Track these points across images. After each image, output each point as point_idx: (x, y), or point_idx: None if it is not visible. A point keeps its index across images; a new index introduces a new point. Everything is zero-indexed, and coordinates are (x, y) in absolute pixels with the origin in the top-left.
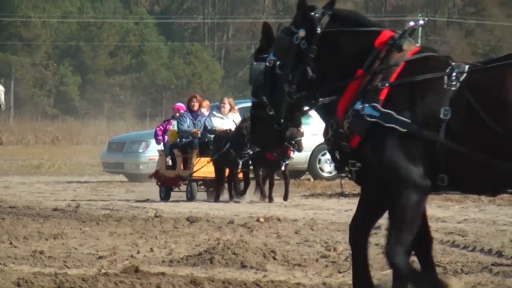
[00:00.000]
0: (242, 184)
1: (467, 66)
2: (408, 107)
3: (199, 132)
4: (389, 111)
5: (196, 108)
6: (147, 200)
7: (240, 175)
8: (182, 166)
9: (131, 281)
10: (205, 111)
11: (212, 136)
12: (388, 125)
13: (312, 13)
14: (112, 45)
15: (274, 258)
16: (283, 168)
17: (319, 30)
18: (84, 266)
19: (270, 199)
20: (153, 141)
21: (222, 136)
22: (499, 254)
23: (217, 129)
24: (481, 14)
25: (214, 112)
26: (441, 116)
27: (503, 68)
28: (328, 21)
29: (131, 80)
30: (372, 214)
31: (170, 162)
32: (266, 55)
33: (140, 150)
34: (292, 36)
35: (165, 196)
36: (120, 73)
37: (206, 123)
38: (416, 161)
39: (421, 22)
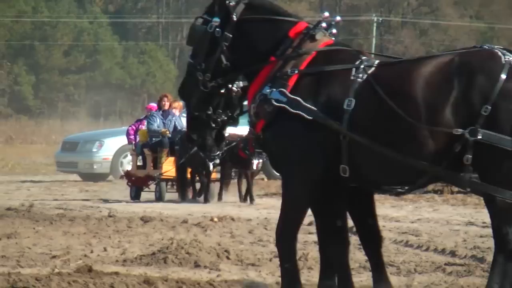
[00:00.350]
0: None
1: (377, 61)
2: (314, 95)
3: (168, 132)
4: (296, 97)
5: (166, 107)
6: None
7: (214, 176)
8: (151, 165)
9: (85, 281)
10: (177, 112)
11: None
12: (294, 111)
13: (227, 2)
14: (66, 44)
15: (228, 258)
16: (255, 167)
17: (234, 18)
18: (38, 265)
19: (251, 200)
20: (106, 141)
21: None
22: (453, 253)
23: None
24: (435, 14)
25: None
26: (345, 106)
27: (409, 64)
28: (243, 9)
29: (85, 79)
30: (335, 211)
31: (141, 162)
32: (210, 19)
33: (94, 150)
34: (206, 24)
35: (135, 196)
36: (74, 72)
37: (177, 123)
38: (317, 151)
39: (338, 18)
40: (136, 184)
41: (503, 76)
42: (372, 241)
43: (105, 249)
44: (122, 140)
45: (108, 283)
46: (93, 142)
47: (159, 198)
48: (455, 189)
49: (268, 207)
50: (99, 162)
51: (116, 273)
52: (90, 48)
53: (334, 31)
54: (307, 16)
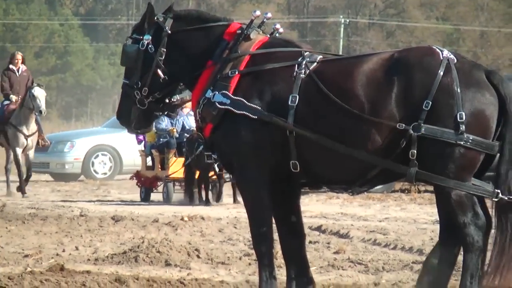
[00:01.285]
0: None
1: (319, 56)
2: (258, 94)
3: (175, 130)
4: (239, 98)
5: None
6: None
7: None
8: (159, 166)
9: (57, 279)
10: (186, 110)
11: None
12: (239, 112)
13: (156, 18)
14: (38, 46)
15: (198, 256)
16: (217, 168)
17: (167, 32)
18: (10, 264)
19: (207, 202)
20: (78, 141)
21: (195, 138)
22: (420, 252)
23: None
24: (401, 16)
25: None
26: (289, 102)
27: (351, 60)
28: (172, 22)
29: (56, 81)
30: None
31: (150, 163)
32: (141, 36)
33: (66, 150)
34: (138, 43)
35: (145, 197)
36: (45, 74)
37: (185, 122)
38: (265, 147)
39: (269, 15)
40: (145, 185)
41: (441, 72)
42: (295, 238)
43: (76, 248)
44: (93, 141)
45: (80, 282)
46: (64, 142)
47: (167, 199)
48: (422, 188)
49: (237, 206)
50: (71, 162)
51: (88, 272)
52: (61, 50)
53: (281, 30)
54: (275, 19)
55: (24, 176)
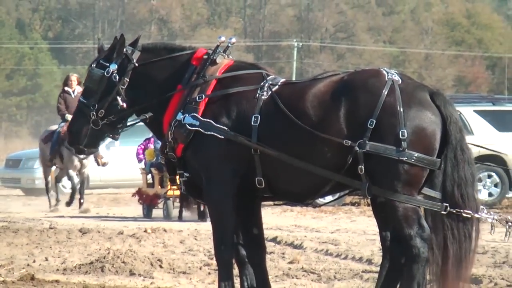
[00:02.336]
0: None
1: (282, 79)
2: (224, 116)
3: None
4: (208, 120)
5: None
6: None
7: None
8: (159, 184)
9: (27, 287)
10: None
11: None
12: (207, 132)
13: (125, 50)
14: (9, 68)
15: (161, 266)
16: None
17: (134, 64)
18: None
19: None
20: None
21: None
22: (369, 261)
23: None
24: (351, 39)
25: None
26: (252, 122)
27: (307, 83)
28: (139, 54)
29: (27, 101)
30: (251, 220)
31: (151, 180)
32: (108, 64)
33: (36, 166)
34: (104, 69)
35: (147, 214)
36: (16, 94)
37: None
38: (232, 164)
39: (233, 40)
40: (146, 202)
41: (385, 92)
42: (257, 249)
43: (46, 259)
44: None
45: None
46: (34, 159)
47: (167, 216)
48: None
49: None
50: (40, 178)
51: (57, 281)
52: (31, 72)
53: (233, 39)
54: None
55: (78, 190)
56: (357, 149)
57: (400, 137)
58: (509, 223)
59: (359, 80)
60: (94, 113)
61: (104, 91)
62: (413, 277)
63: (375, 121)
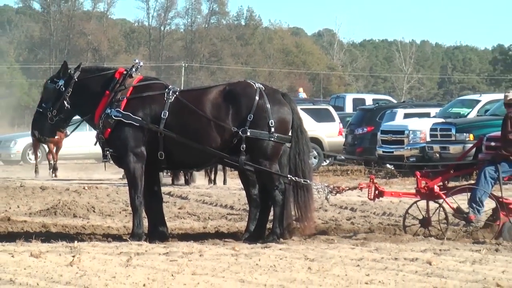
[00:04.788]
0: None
1: (177, 88)
2: (140, 111)
3: None
4: (127, 113)
5: None
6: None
7: None
8: None
9: (5, 226)
10: None
11: None
12: (127, 121)
13: (69, 71)
14: None
15: (94, 211)
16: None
17: (75, 79)
18: None
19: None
20: (19, 140)
21: None
22: (232, 207)
23: None
24: (219, 62)
25: None
26: (162, 116)
27: (201, 90)
28: (80, 73)
29: (5, 102)
30: (153, 181)
31: None
32: (57, 81)
33: (11, 145)
34: (55, 84)
35: (172, 183)
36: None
37: None
38: (143, 143)
39: (141, 63)
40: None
41: (257, 96)
42: (157, 200)
43: (18, 207)
44: (28, 140)
45: (20, 227)
46: (10, 140)
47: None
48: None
49: (117, 180)
50: (14, 153)
51: (25, 221)
52: (8, 83)
53: (141, 63)
54: (140, 63)
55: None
56: (241, 134)
57: (270, 125)
58: (330, 190)
59: (239, 89)
60: (50, 112)
61: (55, 98)
62: (275, 217)
63: (252, 115)
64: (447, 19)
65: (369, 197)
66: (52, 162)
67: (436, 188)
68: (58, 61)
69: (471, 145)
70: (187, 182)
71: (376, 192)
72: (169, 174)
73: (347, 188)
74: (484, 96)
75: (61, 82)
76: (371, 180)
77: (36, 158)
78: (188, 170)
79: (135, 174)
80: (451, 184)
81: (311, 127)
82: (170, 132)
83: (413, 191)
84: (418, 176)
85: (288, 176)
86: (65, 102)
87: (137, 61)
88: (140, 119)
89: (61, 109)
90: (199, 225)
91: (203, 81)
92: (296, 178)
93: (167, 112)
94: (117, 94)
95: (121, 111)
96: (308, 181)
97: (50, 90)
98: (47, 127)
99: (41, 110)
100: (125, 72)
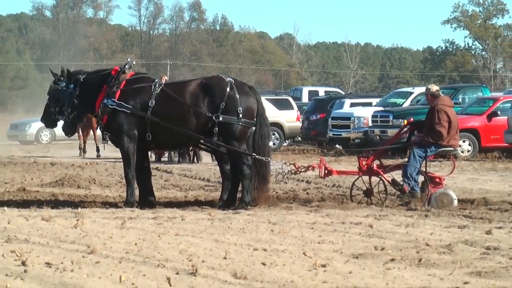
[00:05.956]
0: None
1: (163, 82)
2: (132, 100)
3: None
4: (120, 102)
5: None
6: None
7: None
8: None
9: (21, 194)
10: None
11: None
12: (120, 108)
13: (77, 76)
14: (12, 75)
15: (94, 183)
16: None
17: (81, 80)
18: None
19: (193, 161)
20: (33, 124)
21: None
22: (208, 180)
23: None
24: (198, 60)
25: None
26: (150, 104)
27: (182, 83)
28: (84, 77)
29: (22, 93)
30: (143, 158)
31: None
32: (60, 82)
33: (27, 128)
34: (67, 87)
35: (158, 161)
36: (15, 89)
37: None
38: (134, 126)
39: (134, 62)
40: (157, 153)
41: (228, 88)
42: (147, 173)
43: (32, 179)
44: (40, 124)
45: (33, 196)
46: (26, 124)
47: (170, 161)
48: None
49: (114, 157)
50: (29, 135)
51: (38, 191)
52: (24, 77)
53: (134, 62)
54: (132, 61)
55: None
56: (214, 119)
57: (238, 112)
58: (290, 170)
59: (214, 82)
60: (66, 111)
61: (68, 98)
62: (244, 187)
63: (224, 104)
64: (386, 25)
65: (320, 175)
66: (94, 143)
67: (375, 166)
68: (65, 59)
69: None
70: (194, 160)
71: (326, 171)
72: (176, 154)
73: (302, 169)
74: (416, 89)
75: (71, 85)
76: (321, 161)
77: (84, 141)
78: (172, 150)
79: (129, 152)
80: (389, 162)
81: (274, 114)
82: (154, 117)
83: (357, 169)
84: (359, 158)
85: (253, 154)
86: (75, 100)
87: (129, 59)
88: (131, 107)
89: (74, 106)
90: (181, 195)
91: (185, 76)
92: (258, 156)
93: (154, 101)
94: (112, 87)
95: (115, 100)
96: (269, 159)
97: (62, 92)
98: (65, 124)
99: (48, 107)
100: (119, 69)
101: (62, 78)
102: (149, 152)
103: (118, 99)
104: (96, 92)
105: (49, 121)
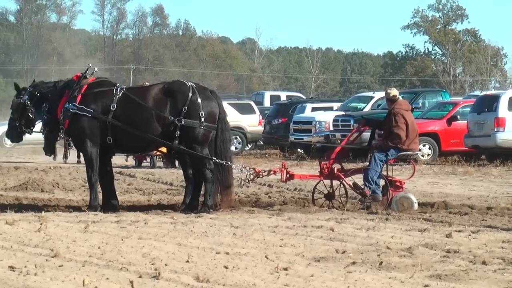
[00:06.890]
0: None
1: (125, 86)
2: (93, 104)
3: None
4: (81, 106)
5: None
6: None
7: None
8: None
9: None
10: None
11: None
12: (81, 112)
13: (28, 88)
14: None
15: (58, 187)
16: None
17: (38, 95)
18: None
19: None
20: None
21: None
22: (171, 184)
23: None
24: (161, 65)
25: None
26: (111, 108)
27: (145, 88)
28: (41, 88)
29: None
30: (106, 162)
31: None
32: (22, 96)
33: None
34: (21, 99)
35: (138, 165)
36: None
37: None
38: (95, 130)
39: (96, 68)
40: (138, 159)
41: (190, 93)
42: (109, 178)
43: None
44: (4, 128)
45: None
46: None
47: (153, 166)
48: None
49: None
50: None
51: (1, 195)
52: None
53: (96, 69)
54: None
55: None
56: (177, 122)
57: (201, 116)
58: (251, 174)
59: (176, 87)
60: (19, 123)
61: (22, 110)
62: (206, 191)
63: (187, 108)
64: (347, 30)
65: (282, 180)
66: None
67: (335, 170)
68: (29, 64)
69: (368, 133)
70: (175, 166)
71: (288, 175)
72: (162, 160)
73: (264, 174)
74: (377, 94)
75: (26, 97)
76: (283, 166)
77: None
78: (134, 154)
79: (91, 156)
80: (350, 166)
81: (236, 118)
82: (115, 121)
83: (318, 173)
84: (320, 162)
85: (213, 158)
86: (30, 114)
87: (91, 65)
88: (92, 110)
89: (29, 119)
90: (144, 198)
91: (148, 80)
92: (219, 160)
93: (116, 105)
94: (74, 92)
95: (77, 104)
96: (229, 163)
97: (19, 105)
98: (46, 144)
99: (12, 121)
100: (80, 75)
101: (23, 92)
102: (130, 157)
103: (79, 103)
104: (59, 97)
105: (14, 136)
